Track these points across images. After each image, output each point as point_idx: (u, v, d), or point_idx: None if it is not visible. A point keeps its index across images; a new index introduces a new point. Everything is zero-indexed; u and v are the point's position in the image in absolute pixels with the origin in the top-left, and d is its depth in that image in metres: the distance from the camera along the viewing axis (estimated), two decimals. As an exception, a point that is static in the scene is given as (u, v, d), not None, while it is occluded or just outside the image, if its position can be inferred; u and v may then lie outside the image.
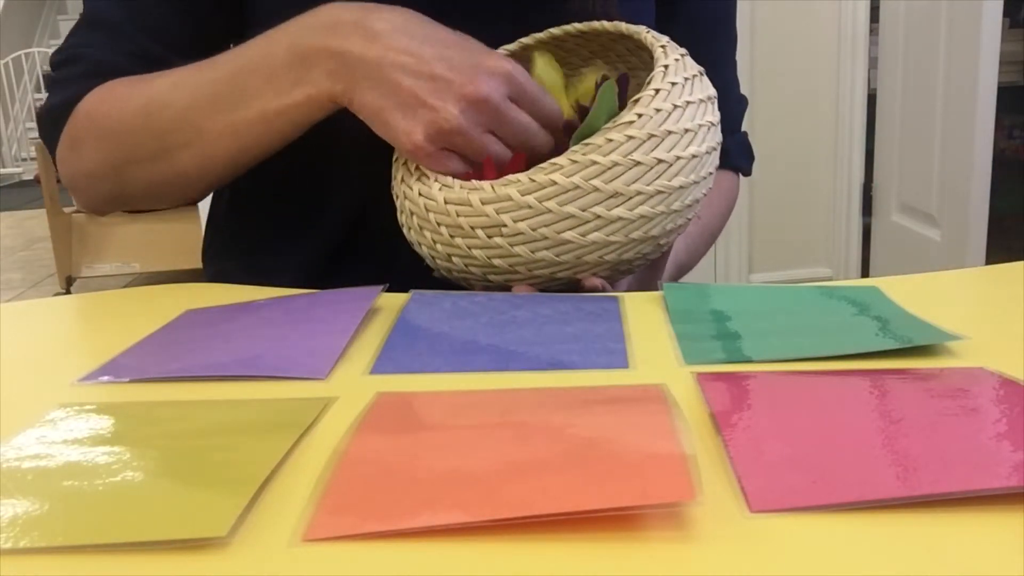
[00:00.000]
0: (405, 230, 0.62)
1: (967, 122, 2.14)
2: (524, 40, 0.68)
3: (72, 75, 0.67)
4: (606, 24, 0.65)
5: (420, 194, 0.58)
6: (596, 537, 0.28)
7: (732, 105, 0.83)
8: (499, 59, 0.57)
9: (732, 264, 2.81)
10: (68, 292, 3.05)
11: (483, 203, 0.55)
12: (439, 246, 0.58)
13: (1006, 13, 2.13)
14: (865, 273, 2.81)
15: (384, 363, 0.46)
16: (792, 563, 0.27)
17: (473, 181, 0.56)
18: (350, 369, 0.46)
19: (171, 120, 0.62)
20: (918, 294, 0.55)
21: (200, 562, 0.28)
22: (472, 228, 0.56)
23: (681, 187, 0.56)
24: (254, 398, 0.42)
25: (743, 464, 0.32)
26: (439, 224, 0.57)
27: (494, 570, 0.27)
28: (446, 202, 0.56)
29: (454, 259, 0.58)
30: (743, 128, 0.87)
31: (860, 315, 0.50)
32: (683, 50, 0.61)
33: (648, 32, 0.62)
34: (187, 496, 0.31)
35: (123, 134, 0.64)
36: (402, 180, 0.61)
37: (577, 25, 0.66)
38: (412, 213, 0.59)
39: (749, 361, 0.44)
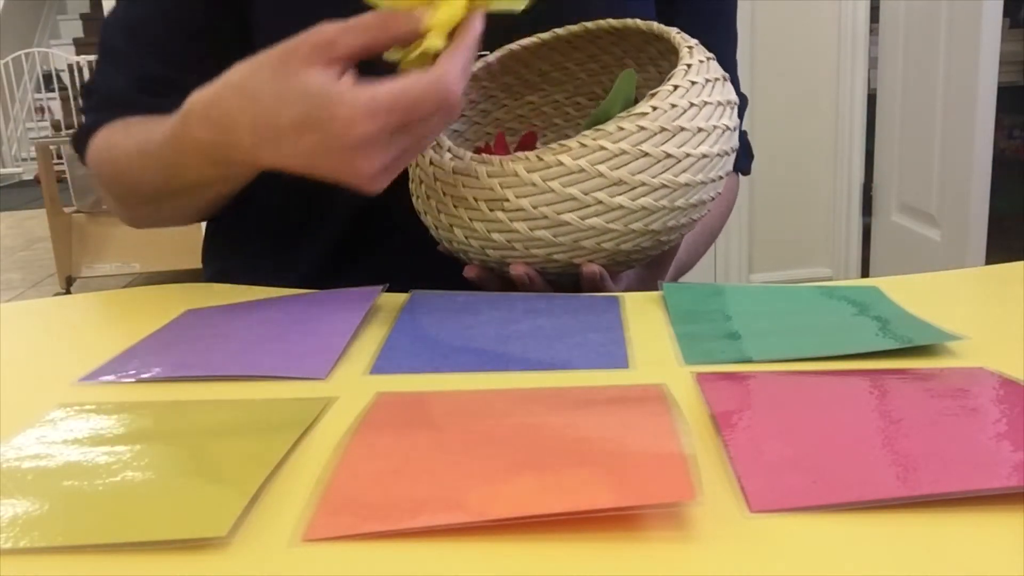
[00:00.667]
0: (414, 199, 0.63)
1: (967, 122, 2.14)
2: (558, 31, 0.68)
3: (89, 106, 0.73)
4: (639, 23, 0.65)
5: (431, 162, 0.59)
6: (596, 537, 0.28)
7: None
8: (347, 106, 0.49)
9: (732, 264, 2.81)
10: (68, 292, 3.05)
11: (489, 176, 0.56)
12: (443, 216, 0.59)
13: (1006, 13, 2.13)
14: (865, 273, 2.81)
15: (384, 363, 0.46)
16: (792, 563, 0.27)
17: (483, 155, 0.57)
18: (350, 369, 0.46)
19: (142, 183, 0.65)
20: (918, 294, 0.55)
21: (200, 562, 0.28)
22: (475, 200, 0.56)
23: (687, 184, 0.56)
24: (254, 398, 0.42)
25: (743, 464, 0.32)
26: (444, 193, 0.58)
27: (494, 570, 0.27)
28: (454, 172, 0.57)
29: (455, 230, 0.59)
30: (743, 127, 0.87)
31: (860, 315, 0.50)
32: (711, 54, 0.61)
33: (678, 33, 0.62)
34: (187, 496, 0.31)
35: (112, 185, 0.70)
36: None
37: (612, 22, 0.66)
38: (421, 181, 0.61)
39: (749, 361, 0.44)
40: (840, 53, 2.70)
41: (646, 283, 0.66)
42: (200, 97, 0.55)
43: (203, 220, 0.75)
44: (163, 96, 0.68)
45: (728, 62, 0.84)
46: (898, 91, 2.52)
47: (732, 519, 0.29)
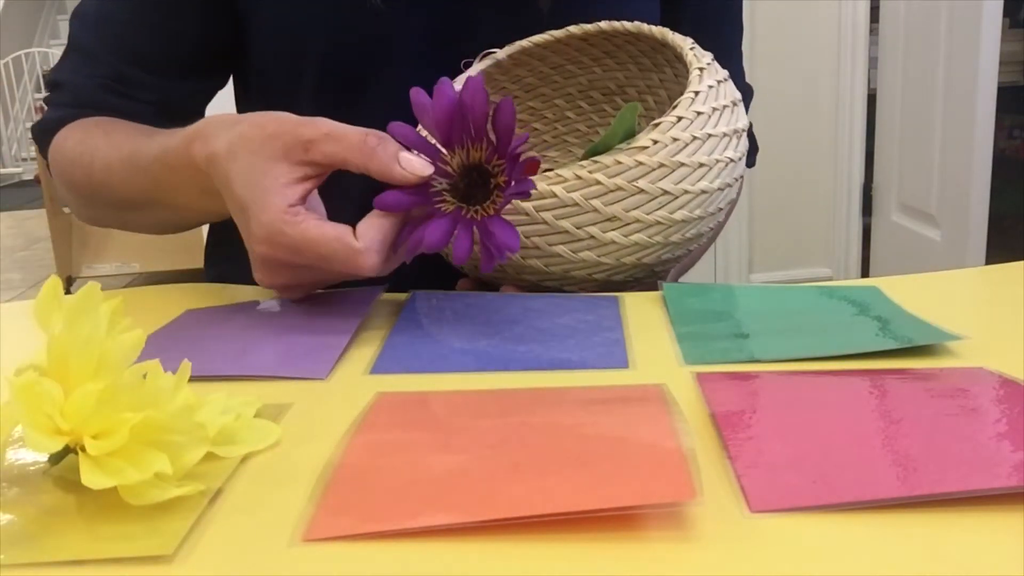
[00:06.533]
0: None
1: (967, 122, 2.14)
2: (572, 29, 0.68)
3: (55, 101, 0.72)
4: (654, 31, 0.64)
5: None
6: (596, 537, 0.28)
7: None
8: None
9: (732, 264, 2.81)
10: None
11: None
12: None
13: (1006, 13, 2.13)
14: (865, 273, 2.81)
15: (384, 363, 0.46)
16: (792, 563, 0.27)
17: None
18: (350, 369, 0.46)
19: (121, 191, 0.64)
20: (918, 294, 0.55)
21: (200, 562, 0.28)
22: None
23: (684, 221, 0.55)
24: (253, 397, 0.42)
25: (743, 464, 0.32)
26: None
27: (494, 570, 0.27)
28: None
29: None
30: (749, 118, 0.87)
31: (860, 315, 0.50)
32: (724, 73, 0.59)
33: (692, 49, 0.60)
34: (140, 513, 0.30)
35: (81, 187, 0.68)
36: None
37: (626, 24, 0.66)
38: None
39: (749, 361, 0.44)
40: (840, 53, 2.70)
41: (648, 283, 0.66)
42: (209, 125, 0.54)
43: (179, 231, 0.73)
44: (129, 97, 0.70)
45: (734, 54, 0.84)
46: (898, 91, 2.52)
47: (732, 519, 0.29)
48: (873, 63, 2.66)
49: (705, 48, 0.61)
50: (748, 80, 0.85)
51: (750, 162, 0.87)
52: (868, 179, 2.75)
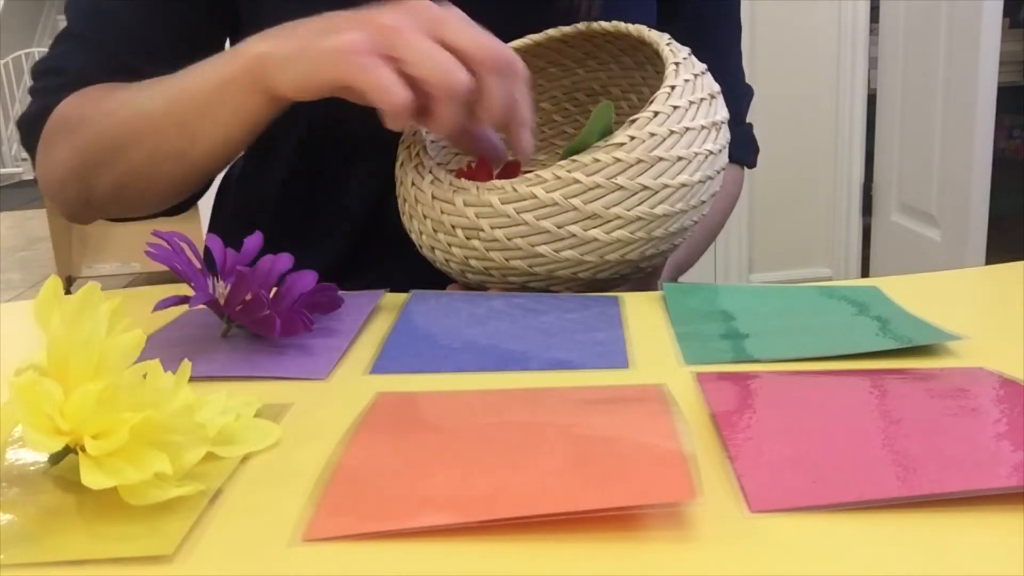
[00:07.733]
0: (401, 215, 0.63)
1: (967, 122, 2.14)
2: (551, 32, 0.68)
3: (52, 85, 0.70)
4: (630, 28, 0.64)
5: (413, 183, 0.59)
6: (596, 537, 0.28)
7: (737, 96, 0.83)
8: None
9: (732, 264, 2.81)
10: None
11: (465, 205, 0.55)
12: (424, 236, 0.59)
13: (1006, 13, 2.13)
14: (865, 273, 2.81)
15: (384, 363, 0.46)
16: (792, 563, 0.27)
17: (463, 180, 0.57)
18: (350, 369, 0.46)
19: (127, 117, 0.63)
20: (918, 294, 0.55)
21: (200, 562, 0.28)
22: (453, 227, 0.56)
23: (665, 215, 0.55)
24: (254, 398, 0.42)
25: (743, 464, 0.32)
26: (425, 216, 0.58)
27: (494, 570, 0.27)
28: (433, 197, 0.57)
29: (436, 251, 0.59)
30: (749, 119, 0.87)
31: (860, 315, 0.50)
32: (701, 67, 0.59)
33: (668, 45, 0.60)
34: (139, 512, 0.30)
35: (87, 132, 0.65)
36: (401, 164, 0.62)
37: (604, 24, 0.66)
38: (404, 200, 0.61)
39: (749, 361, 0.44)
40: (840, 53, 2.70)
41: (643, 284, 0.66)
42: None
43: (163, 201, 0.70)
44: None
45: (733, 55, 0.84)
46: (898, 91, 2.52)
47: (732, 519, 0.29)
48: (873, 63, 2.66)
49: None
50: (748, 80, 0.85)
51: (751, 163, 0.87)
52: (868, 179, 2.75)
